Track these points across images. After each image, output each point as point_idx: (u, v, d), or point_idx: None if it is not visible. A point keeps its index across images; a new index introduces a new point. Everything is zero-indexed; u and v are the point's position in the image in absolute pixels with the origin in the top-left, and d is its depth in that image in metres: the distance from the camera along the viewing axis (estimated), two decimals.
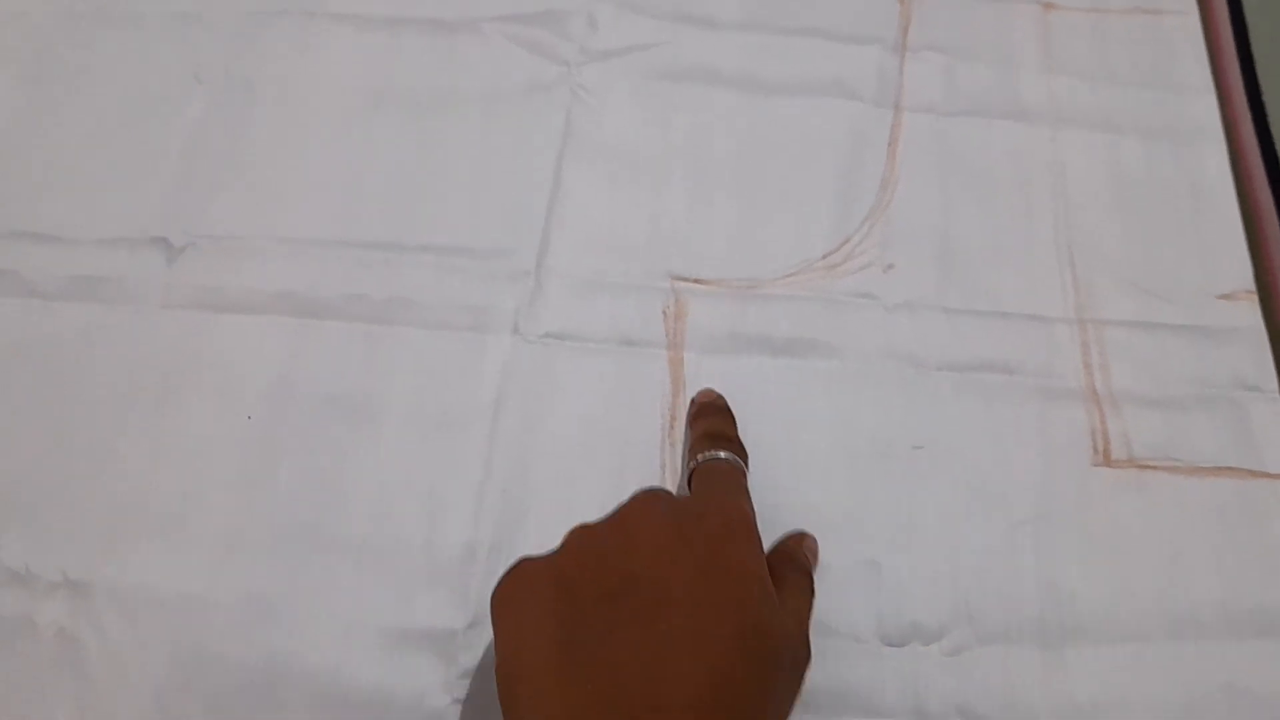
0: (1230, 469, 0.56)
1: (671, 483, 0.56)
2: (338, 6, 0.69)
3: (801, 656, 0.44)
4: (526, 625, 0.41)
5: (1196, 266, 0.63)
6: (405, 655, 0.51)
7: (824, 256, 0.62)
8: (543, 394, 0.57)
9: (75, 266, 0.60)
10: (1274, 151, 0.65)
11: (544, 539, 0.53)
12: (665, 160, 0.65)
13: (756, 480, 0.53)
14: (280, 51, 0.68)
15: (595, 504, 0.54)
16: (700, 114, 0.66)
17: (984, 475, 0.56)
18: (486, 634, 0.51)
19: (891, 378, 0.59)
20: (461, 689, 0.50)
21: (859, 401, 0.58)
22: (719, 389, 0.58)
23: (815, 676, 0.51)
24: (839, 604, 0.53)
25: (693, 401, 0.55)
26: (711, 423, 0.54)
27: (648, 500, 0.45)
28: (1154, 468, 0.56)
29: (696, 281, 0.61)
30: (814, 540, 0.52)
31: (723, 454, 0.50)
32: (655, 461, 0.56)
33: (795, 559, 0.50)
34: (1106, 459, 0.57)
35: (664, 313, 0.60)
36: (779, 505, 0.54)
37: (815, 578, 0.50)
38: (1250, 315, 0.61)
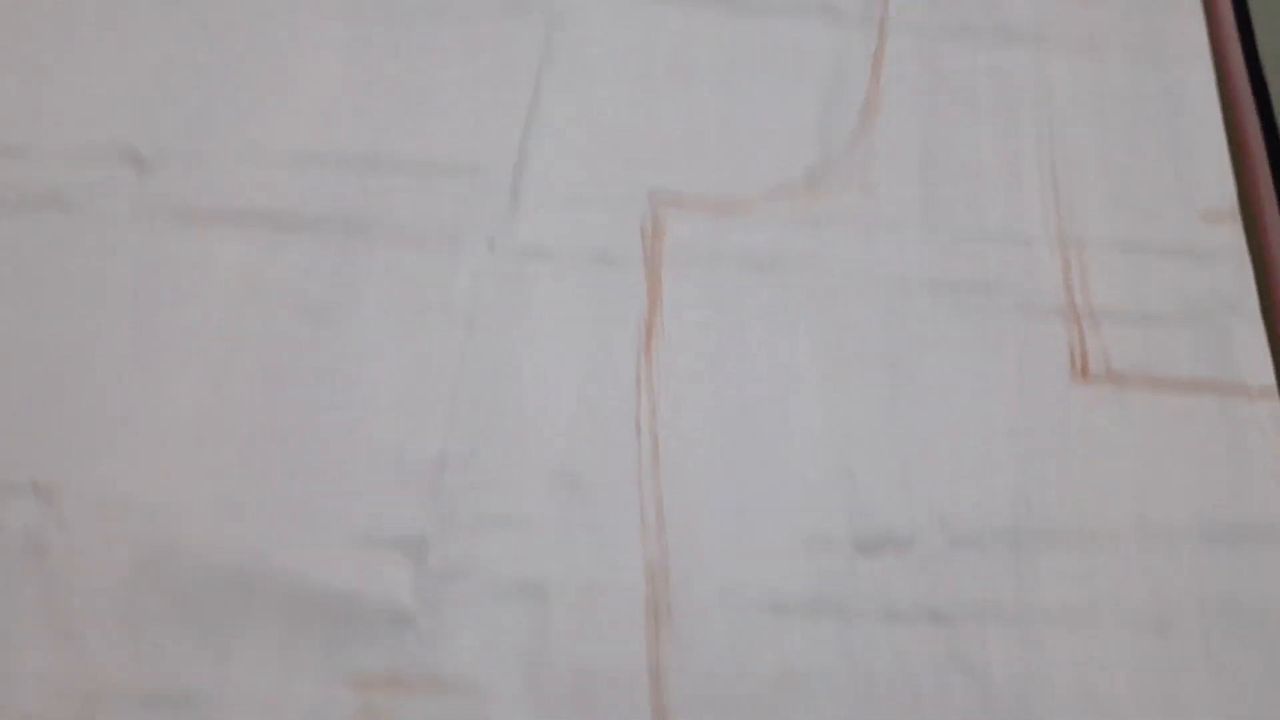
0: (1208, 384, 0.56)
1: (647, 399, 0.55)
2: None
3: None
4: None
5: (1180, 187, 0.62)
6: (375, 558, 0.51)
7: (805, 177, 0.62)
8: (517, 308, 0.57)
9: (42, 179, 0.60)
10: (1260, 72, 0.65)
11: (516, 448, 0.53)
12: (645, 79, 0.64)
13: (733, 397, 0.53)
14: None
15: (567, 416, 0.53)
16: (682, 34, 0.66)
17: (961, 390, 0.56)
18: (458, 539, 0.51)
19: (871, 296, 0.58)
20: (431, 592, 0.50)
21: (838, 320, 0.57)
22: (697, 309, 0.57)
23: (788, 583, 0.51)
24: (813, 512, 0.52)
25: None
26: None
27: None
28: (1132, 383, 0.56)
29: (675, 200, 0.60)
30: None
31: None
32: (631, 377, 0.56)
33: None
34: (1085, 374, 0.56)
35: (642, 231, 0.60)
36: (758, 420, 0.54)
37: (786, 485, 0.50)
38: (1233, 235, 0.60)
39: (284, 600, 0.50)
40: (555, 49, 0.65)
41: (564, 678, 0.49)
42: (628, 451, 0.54)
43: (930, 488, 0.53)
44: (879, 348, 0.57)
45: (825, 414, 0.55)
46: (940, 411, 0.55)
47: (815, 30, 0.67)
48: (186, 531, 0.51)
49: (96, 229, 0.58)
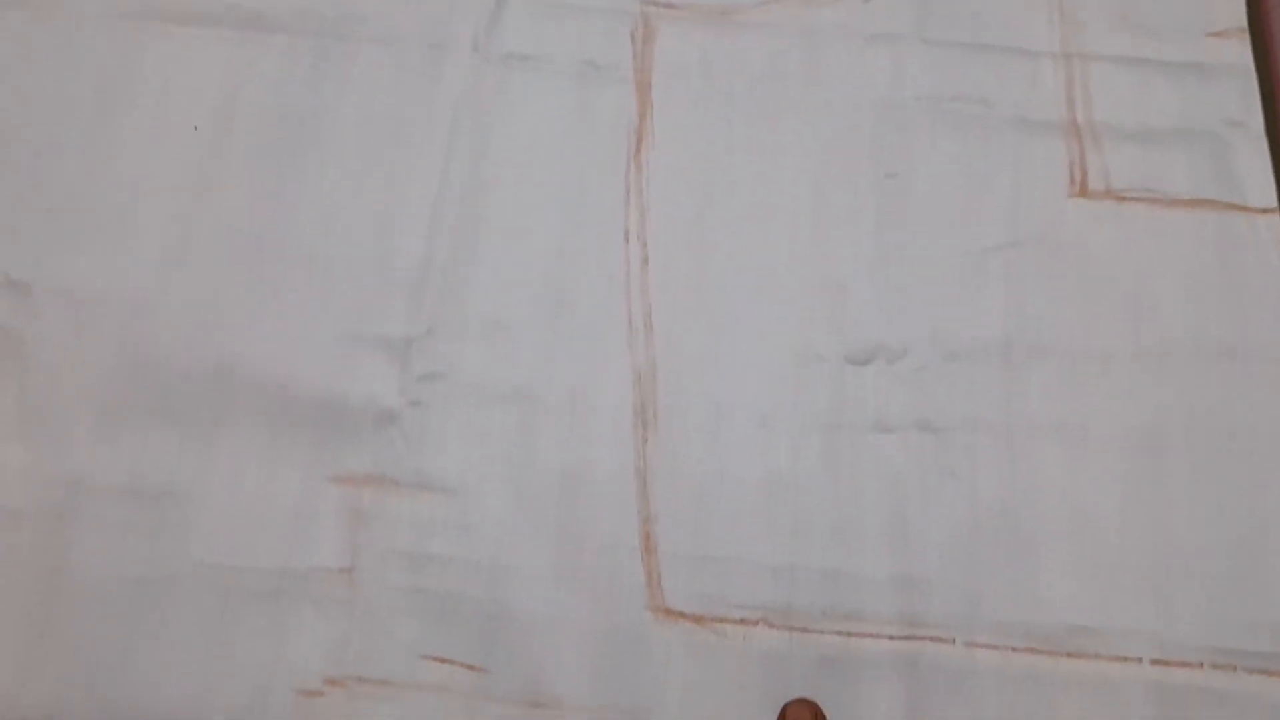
0: (1209, 201, 0.55)
1: (635, 206, 0.54)
2: None
3: None
4: None
5: (1188, 4, 0.60)
6: (358, 359, 0.50)
7: None
8: (502, 114, 0.55)
9: None
10: None
11: (501, 254, 0.52)
12: None
13: (723, 206, 0.53)
14: None
15: (554, 222, 0.52)
16: None
17: (955, 203, 0.55)
18: (443, 342, 0.50)
19: (866, 107, 0.57)
20: (416, 392, 0.50)
21: (832, 131, 0.56)
22: (688, 116, 0.56)
23: (777, 393, 0.50)
24: (804, 326, 0.52)
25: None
26: None
27: None
28: (1131, 199, 0.55)
29: (667, 6, 0.58)
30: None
31: None
32: (620, 183, 0.54)
33: None
34: (1083, 190, 0.55)
35: (632, 36, 0.58)
36: (748, 230, 0.54)
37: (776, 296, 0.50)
38: (1240, 53, 0.59)
39: (267, 399, 0.49)
40: None
41: (550, 480, 0.49)
42: (615, 258, 0.53)
43: (922, 301, 0.53)
44: (872, 159, 0.55)
45: (816, 225, 0.54)
46: (933, 226, 0.54)
47: None
48: (165, 330, 0.50)
49: (64, 28, 0.56)
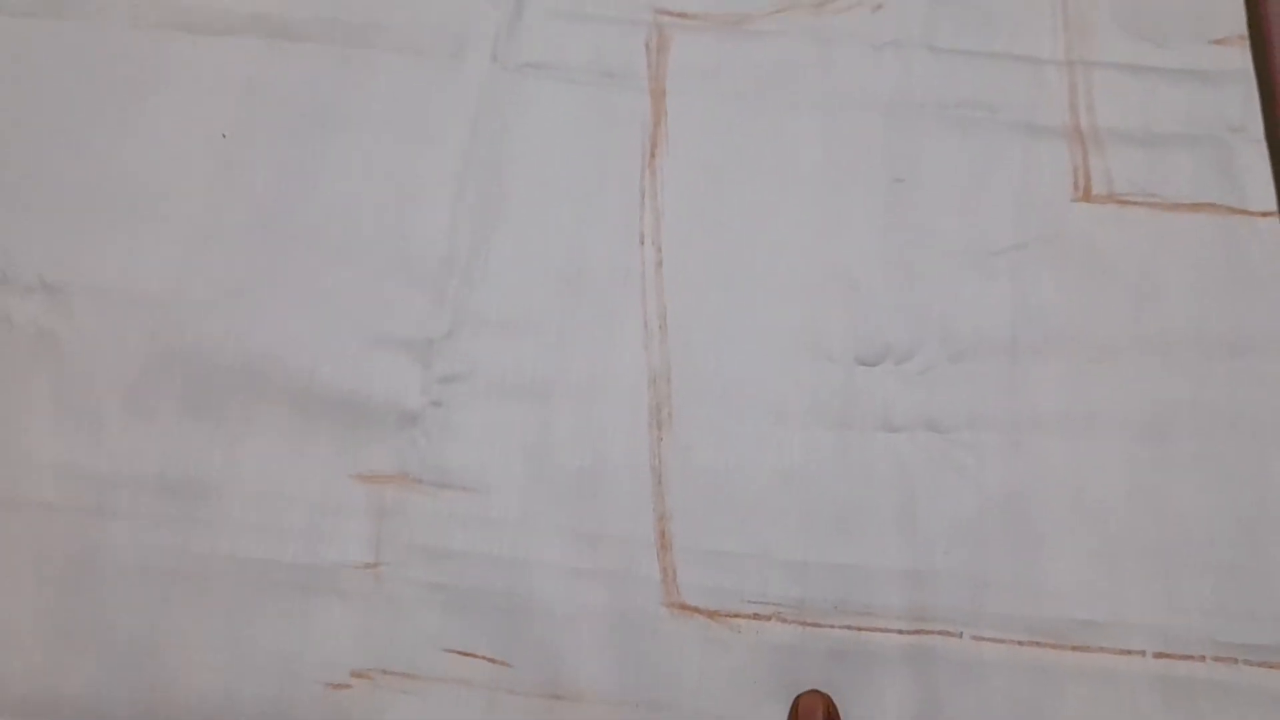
0: (1210, 205, 0.56)
1: (650, 209, 0.55)
2: None
3: None
4: None
5: (1190, 12, 0.61)
6: (382, 360, 0.51)
7: None
8: (520, 120, 0.57)
9: None
10: None
11: (520, 257, 0.53)
12: None
13: (736, 209, 0.54)
14: None
15: (571, 224, 0.54)
16: None
17: (963, 207, 0.56)
18: (464, 341, 0.52)
19: (876, 112, 0.58)
20: (438, 393, 0.51)
21: (842, 135, 0.57)
22: (701, 122, 0.57)
23: (789, 392, 0.52)
24: (814, 323, 0.53)
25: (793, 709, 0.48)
26: None
27: None
28: (1134, 203, 0.56)
29: (681, 15, 0.60)
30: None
31: None
32: (635, 188, 0.56)
33: None
34: (1087, 194, 0.57)
35: (646, 46, 0.59)
36: (760, 232, 0.55)
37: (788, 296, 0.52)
38: (1240, 59, 0.60)
39: (294, 395, 0.50)
40: None
41: (568, 476, 0.50)
42: (631, 259, 0.54)
43: (930, 302, 0.54)
44: (881, 163, 0.56)
45: (827, 228, 0.55)
46: (941, 228, 0.56)
47: None
48: (196, 326, 0.51)
49: (94, 33, 0.57)
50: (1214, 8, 0.61)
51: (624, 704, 0.46)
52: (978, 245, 0.55)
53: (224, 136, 0.55)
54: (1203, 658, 0.47)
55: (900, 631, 0.48)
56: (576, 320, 0.53)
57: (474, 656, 0.47)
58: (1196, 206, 0.56)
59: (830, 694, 0.47)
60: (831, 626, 0.48)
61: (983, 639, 0.48)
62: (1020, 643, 0.48)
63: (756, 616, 0.48)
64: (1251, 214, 0.56)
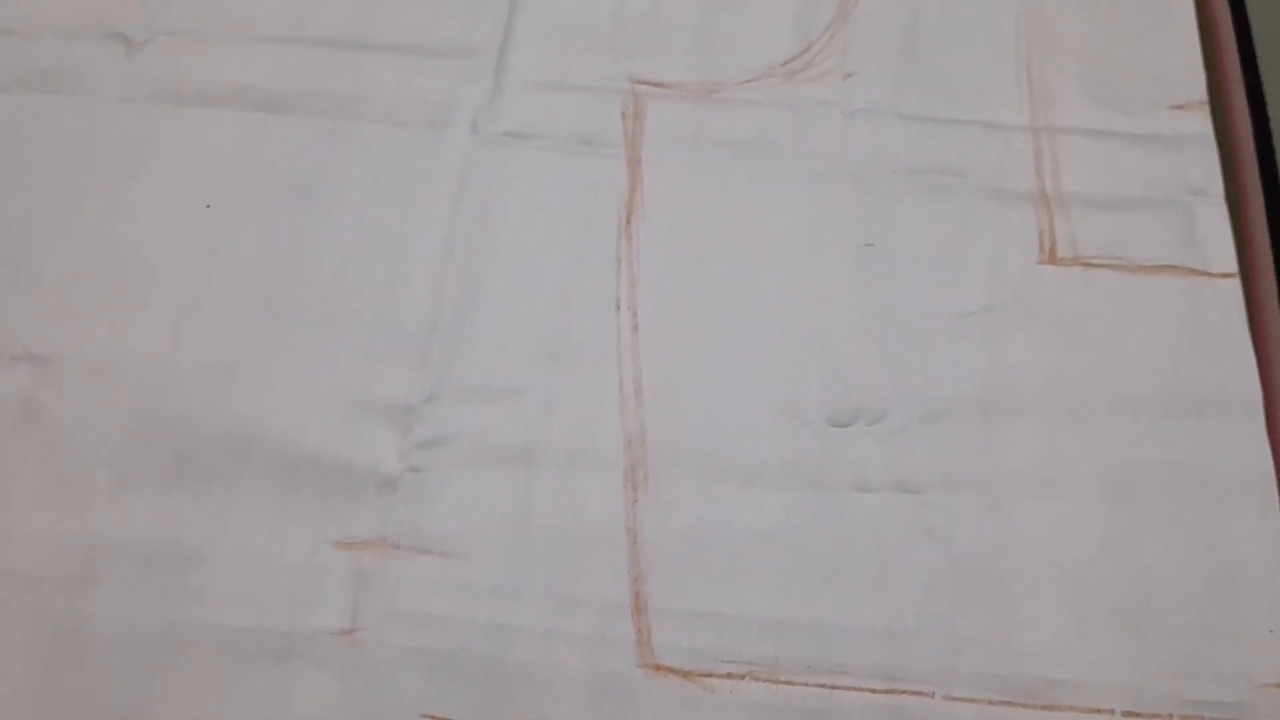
0: (1172, 267, 0.58)
1: (627, 276, 0.56)
2: None
3: None
4: None
5: (1152, 78, 0.63)
6: (363, 426, 0.52)
7: (785, 63, 0.63)
8: (501, 188, 0.58)
9: (32, 59, 0.60)
10: None
11: (500, 323, 0.54)
12: None
13: (711, 274, 0.56)
14: None
15: (550, 291, 0.55)
16: None
17: (932, 271, 0.57)
18: (444, 407, 0.53)
19: (847, 179, 0.59)
20: (417, 459, 0.52)
21: (814, 201, 0.59)
22: (677, 189, 0.59)
23: (763, 454, 0.53)
24: (787, 386, 0.54)
25: None
26: None
27: None
28: (1099, 266, 0.58)
29: (657, 84, 0.61)
30: None
31: None
32: (611, 255, 0.57)
33: None
34: (1053, 257, 0.58)
35: (623, 114, 0.60)
36: (735, 297, 0.56)
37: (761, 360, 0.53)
38: (1201, 124, 0.62)
39: (277, 463, 0.51)
40: None
41: (545, 542, 0.51)
42: (608, 326, 0.55)
43: (902, 365, 0.55)
44: (853, 228, 0.58)
45: (801, 293, 0.56)
46: (912, 292, 0.57)
47: None
48: (181, 396, 0.53)
49: (86, 108, 0.59)
50: (1174, 74, 0.63)
51: None
52: (948, 308, 0.56)
53: (208, 208, 0.56)
54: (1170, 716, 0.48)
55: (874, 690, 0.49)
56: (556, 385, 0.54)
57: None
58: (1160, 268, 0.57)
59: None
60: (805, 685, 0.49)
61: (955, 699, 0.49)
62: (992, 702, 0.49)
63: (731, 676, 0.49)
64: (1213, 275, 0.57)
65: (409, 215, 0.57)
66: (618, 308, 0.55)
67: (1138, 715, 0.48)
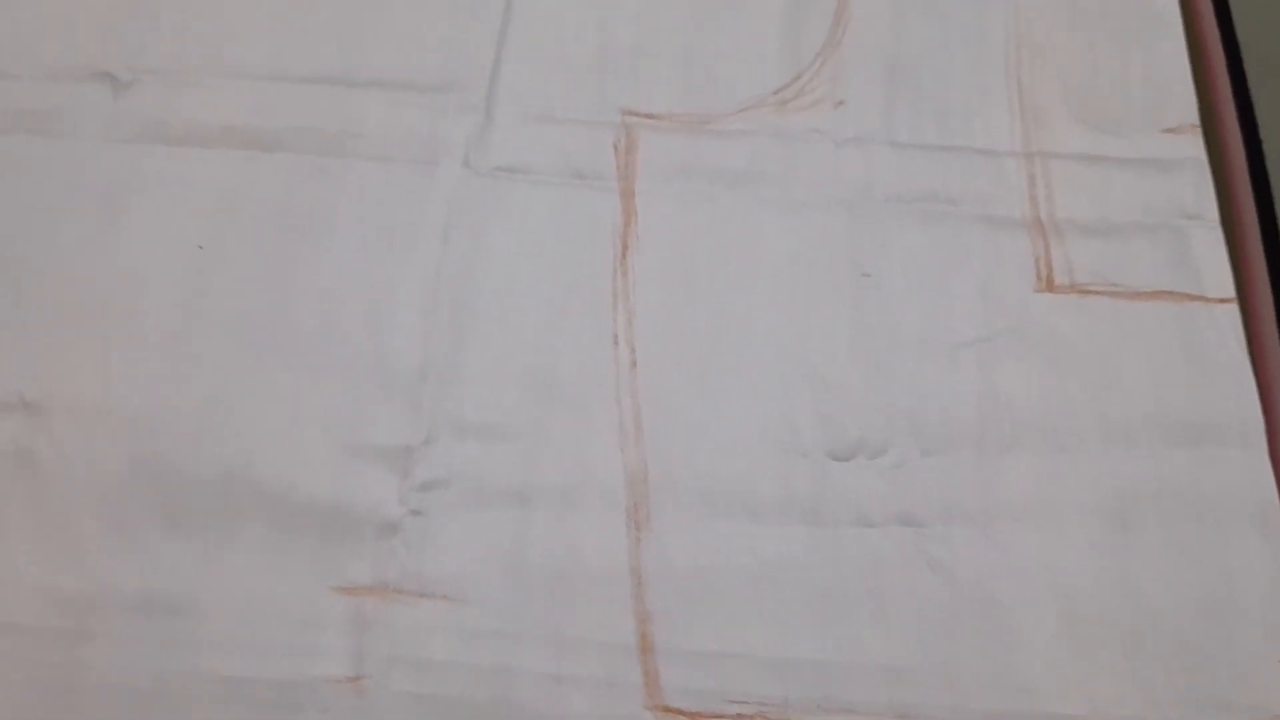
0: (1168, 293, 0.58)
1: (623, 310, 0.56)
2: None
3: None
4: None
5: (1143, 102, 0.63)
6: (360, 468, 0.52)
7: (776, 92, 0.63)
8: (493, 223, 0.58)
9: (18, 100, 0.60)
10: None
11: (495, 361, 0.54)
12: None
13: (707, 307, 0.55)
14: None
15: (545, 328, 0.55)
16: None
17: (928, 300, 0.57)
18: (441, 449, 0.52)
19: (840, 209, 0.59)
20: (418, 502, 0.51)
21: (808, 232, 0.59)
22: (671, 221, 0.58)
23: (764, 489, 0.53)
24: (786, 420, 0.54)
25: None
26: None
27: None
28: (1094, 292, 0.58)
29: (648, 115, 0.61)
30: None
31: None
32: (606, 288, 0.57)
33: None
34: (1049, 284, 0.58)
35: (615, 147, 0.60)
36: (732, 330, 0.56)
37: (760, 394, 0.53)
38: (1193, 148, 0.62)
39: (272, 509, 0.51)
40: None
41: (547, 583, 0.51)
42: (605, 361, 0.55)
43: (899, 394, 0.55)
44: (848, 258, 0.58)
45: (796, 324, 0.56)
46: (908, 322, 0.57)
47: None
48: (173, 441, 0.52)
49: (71, 148, 0.58)
50: (1165, 97, 0.63)
51: None
52: (944, 337, 0.56)
53: (200, 248, 0.56)
54: None
55: None
56: (553, 424, 0.53)
57: None
58: (1155, 294, 0.58)
59: None
60: None
61: None
62: None
63: (741, 716, 0.48)
64: (1209, 300, 0.57)
65: (400, 252, 0.56)
66: (615, 343, 0.55)
67: None
